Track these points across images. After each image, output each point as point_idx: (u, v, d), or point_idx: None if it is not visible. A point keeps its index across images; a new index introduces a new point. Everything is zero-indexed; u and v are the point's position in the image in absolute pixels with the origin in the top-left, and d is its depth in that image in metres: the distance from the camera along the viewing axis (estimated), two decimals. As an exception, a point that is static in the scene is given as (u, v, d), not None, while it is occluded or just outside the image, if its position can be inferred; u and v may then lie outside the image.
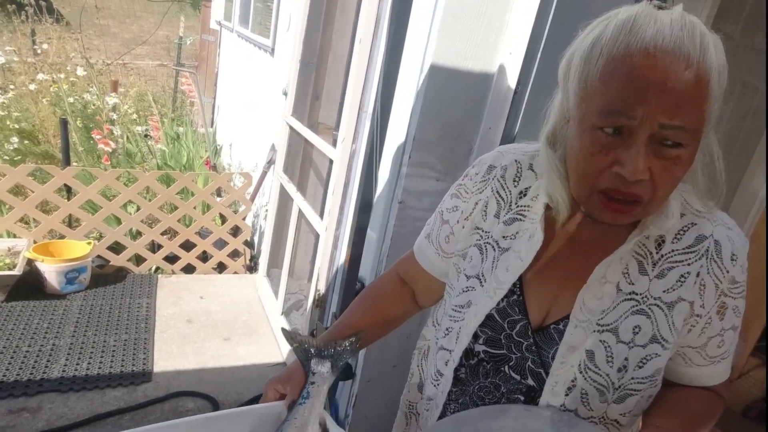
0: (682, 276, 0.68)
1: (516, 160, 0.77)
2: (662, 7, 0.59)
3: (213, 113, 5.53)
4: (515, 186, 0.76)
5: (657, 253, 0.69)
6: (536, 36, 1.31)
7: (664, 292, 0.68)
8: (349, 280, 1.47)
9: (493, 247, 0.76)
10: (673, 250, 0.69)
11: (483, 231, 0.78)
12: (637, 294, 0.68)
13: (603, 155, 0.59)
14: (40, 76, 3.79)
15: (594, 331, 0.69)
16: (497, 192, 0.77)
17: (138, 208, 2.93)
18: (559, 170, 0.68)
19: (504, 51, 1.38)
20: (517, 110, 1.40)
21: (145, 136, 4.39)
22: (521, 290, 0.74)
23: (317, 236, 2.20)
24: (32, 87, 3.66)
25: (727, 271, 0.68)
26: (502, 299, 0.74)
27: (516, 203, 0.76)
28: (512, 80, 1.37)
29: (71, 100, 3.66)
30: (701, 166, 0.66)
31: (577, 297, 0.69)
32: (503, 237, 0.76)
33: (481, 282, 0.76)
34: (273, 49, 3.25)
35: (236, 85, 4.69)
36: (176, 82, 6.04)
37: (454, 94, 1.40)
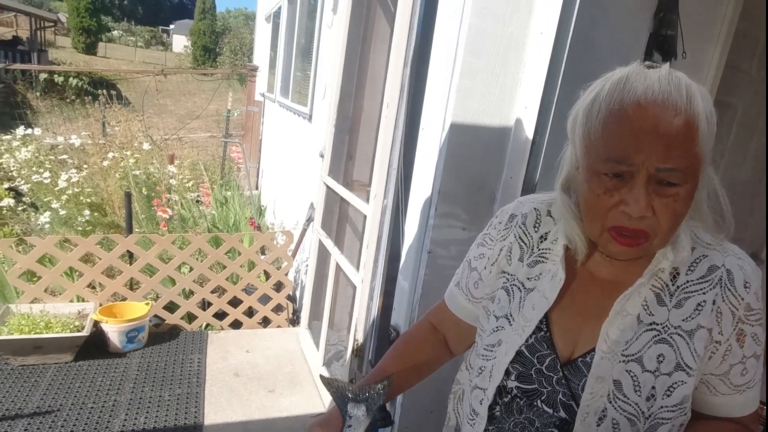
0: (699, 305, 0.72)
1: (535, 208, 0.86)
2: (652, 66, 0.68)
3: (258, 177, 5.88)
4: (536, 231, 0.84)
5: (673, 284, 0.74)
6: (549, 90, 1.41)
7: (683, 320, 0.72)
8: (382, 328, 1.54)
9: (519, 288, 0.83)
10: (687, 281, 0.73)
11: (509, 274, 0.85)
12: (657, 324, 0.73)
13: (609, 197, 0.67)
14: (110, 154, 4.25)
15: (620, 361, 0.73)
16: (520, 238, 0.85)
17: (190, 269, 3.14)
18: (575, 213, 0.76)
19: (520, 105, 1.49)
20: (536, 159, 1.48)
21: (197, 201, 4.72)
22: (548, 327, 0.80)
23: (354, 288, 2.30)
24: (105, 164, 4.10)
25: (742, 299, 0.72)
26: (531, 336, 0.80)
27: (537, 247, 0.83)
28: (529, 132, 1.47)
29: (137, 172, 4.06)
30: (706, 202, 0.72)
31: (601, 330, 0.74)
32: (528, 278, 0.83)
33: (509, 321, 0.83)
34: (310, 116, 3.51)
35: (278, 149, 5.00)
36: (224, 150, 6.51)
37: (474, 148, 1.50)
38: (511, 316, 0.83)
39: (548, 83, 1.41)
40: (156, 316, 3.12)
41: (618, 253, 0.71)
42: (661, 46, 1.57)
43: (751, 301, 0.72)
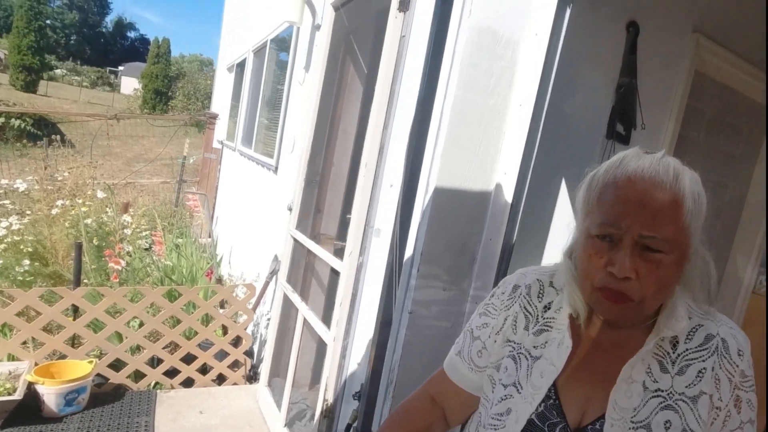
0: (699, 372, 0.76)
1: (538, 279, 0.89)
2: (648, 152, 0.76)
3: (212, 225, 5.71)
4: (539, 301, 0.87)
5: (674, 352, 0.78)
6: (527, 157, 1.50)
7: (686, 387, 0.76)
8: (371, 394, 1.49)
9: (525, 356, 0.85)
10: (687, 349, 0.78)
11: (515, 343, 0.87)
12: (662, 391, 0.76)
13: (598, 257, 0.73)
14: (59, 202, 4.01)
15: (629, 429, 0.75)
16: (525, 308, 0.88)
17: (141, 324, 2.95)
18: (576, 277, 0.81)
19: (500, 171, 1.56)
20: (513, 222, 1.55)
21: (146, 249, 4.51)
22: (556, 394, 0.81)
23: (322, 345, 2.23)
24: (54, 212, 3.85)
25: (737, 366, 0.77)
26: (540, 403, 0.81)
27: (542, 316, 0.86)
28: (508, 196, 1.53)
29: (88, 221, 3.83)
30: (699, 278, 0.78)
31: (610, 397, 0.77)
32: (534, 347, 0.85)
33: (518, 389, 0.83)
34: (276, 168, 3.50)
35: (237, 199, 4.91)
36: (178, 197, 6.31)
37: (457, 211, 1.55)
38: (519, 384, 0.84)
39: (526, 151, 1.50)
40: (99, 375, 2.87)
41: (604, 311, 0.76)
42: (623, 117, 1.72)
43: (745, 369, 0.77)
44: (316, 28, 2.96)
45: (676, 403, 0.75)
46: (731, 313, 2.69)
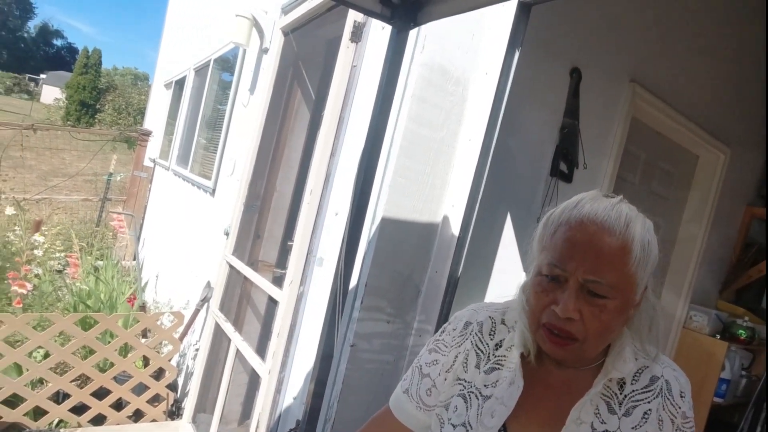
0: (645, 413, 0.78)
1: (490, 316, 0.88)
2: (608, 196, 0.78)
3: (138, 247, 5.35)
4: (491, 339, 0.86)
5: (621, 393, 0.79)
6: (475, 189, 1.51)
7: (632, 429, 0.77)
8: (307, 429, 1.41)
9: (476, 395, 0.83)
10: (633, 390, 0.79)
11: (465, 381, 0.84)
12: None
13: (545, 295, 0.74)
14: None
15: None
16: (476, 345, 0.86)
17: (47, 354, 2.64)
18: (526, 309, 0.80)
19: (447, 203, 1.58)
20: (460, 255, 1.55)
21: (59, 272, 4.11)
22: None
23: (255, 378, 2.10)
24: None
25: (679, 407, 0.79)
26: None
27: (494, 354, 0.85)
28: (455, 228, 1.55)
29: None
30: (647, 324, 0.80)
31: None
32: (485, 386, 0.83)
33: (467, 429, 0.81)
34: (214, 190, 3.36)
35: (168, 220, 4.65)
36: (100, 216, 5.87)
37: (403, 242, 1.54)
38: (469, 424, 0.81)
39: (474, 184, 1.52)
40: (-10, 413, 2.53)
41: (548, 350, 0.76)
42: (566, 156, 1.81)
43: (686, 410, 0.80)
44: (263, 51, 2.92)
45: None
46: (664, 347, 2.87)
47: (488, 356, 0.85)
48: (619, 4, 1.96)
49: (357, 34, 1.90)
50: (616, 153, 2.01)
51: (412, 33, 1.52)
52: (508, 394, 0.80)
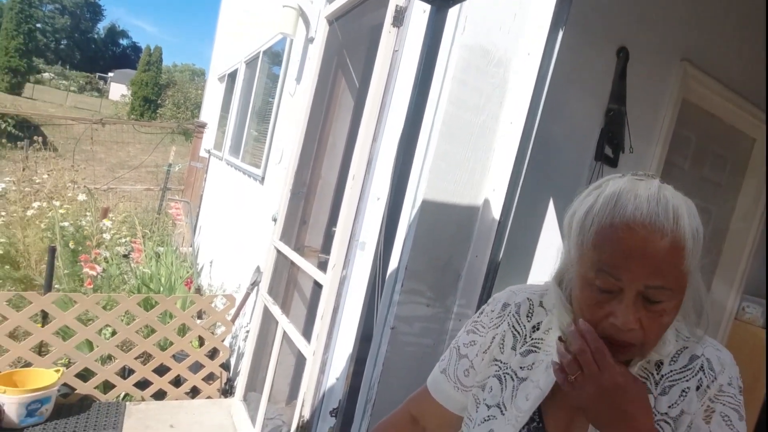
0: (683, 391, 0.75)
1: (528, 298, 0.87)
2: (640, 178, 0.72)
3: (195, 234, 5.62)
4: (528, 321, 0.85)
5: (657, 374, 0.76)
6: (516, 174, 1.48)
7: (668, 407, 0.74)
8: (349, 411, 1.45)
9: (511, 377, 0.82)
10: (671, 371, 0.76)
11: (501, 362, 0.84)
12: None
13: (599, 308, 0.70)
14: (35, 203, 3.89)
15: None
16: (513, 327, 0.85)
17: (114, 333, 2.85)
18: (567, 306, 0.78)
19: (488, 188, 1.55)
20: (500, 240, 1.53)
21: (125, 256, 4.39)
22: (540, 417, 0.79)
23: (301, 359, 2.17)
24: (29, 213, 3.74)
25: (715, 378, 0.74)
26: (524, 427, 0.78)
27: (530, 336, 0.84)
28: (496, 213, 1.52)
29: (65, 224, 3.73)
30: (692, 303, 0.76)
31: None
32: (520, 368, 0.82)
33: (501, 411, 0.81)
34: (263, 178, 3.47)
35: (222, 208, 4.85)
36: (161, 204, 6.21)
37: (443, 227, 1.53)
38: (503, 405, 0.81)
39: (515, 169, 1.49)
40: (66, 384, 2.76)
41: None
42: (611, 140, 1.73)
43: (723, 383, 0.74)
44: (309, 40, 2.97)
45: (658, 424, 0.73)
46: (714, 339, 2.71)
47: (525, 338, 0.84)
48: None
49: (399, 19, 1.89)
50: (665, 137, 1.90)
51: (453, 14, 1.50)
52: (544, 378, 0.79)
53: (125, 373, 2.95)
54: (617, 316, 0.68)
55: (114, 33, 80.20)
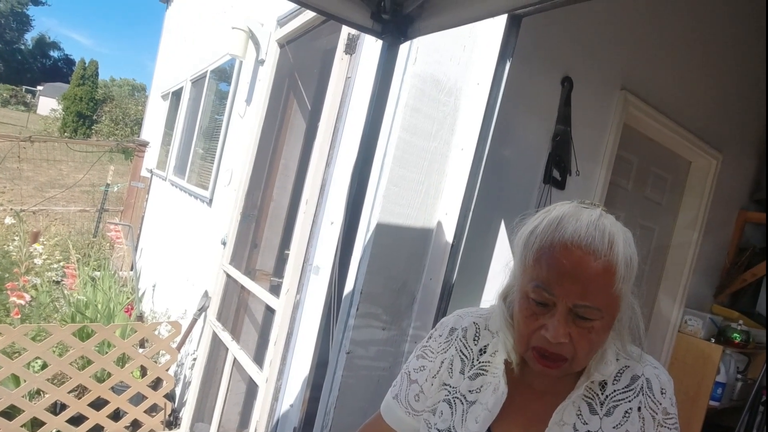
0: (626, 412, 0.80)
1: (474, 322, 0.90)
2: (586, 206, 0.77)
3: (135, 257, 5.35)
4: (475, 344, 0.88)
5: (602, 394, 0.81)
6: (468, 198, 1.53)
7: (614, 428, 0.79)
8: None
9: (461, 401, 0.85)
10: (614, 390, 0.81)
11: (450, 386, 0.87)
12: None
13: (534, 320, 0.75)
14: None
15: None
16: (461, 351, 0.88)
17: (44, 365, 2.65)
18: (509, 323, 0.82)
19: (441, 211, 1.60)
20: (454, 261, 1.57)
21: (57, 282, 4.11)
22: None
23: (253, 386, 2.12)
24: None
25: (660, 404, 0.81)
26: None
27: (478, 359, 0.87)
28: (449, 235, 1.57)
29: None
30: (627, 325, 0.81)
31: None
32: (469, 391, 0.85)
33: None
34: (211, 200, 3.38)
35: (165, 230, 4.66)
36: (97, 226, 5.87)
37: (398, 250, 1.56)
38: (454, 428, 0.83)
39: (467, 192, 1.54)
40: (-13, 426, 2.53)
41: (539, 372, 0.78)
42: (559, 164, 1.84)
43: (667, 406, 0.81)
44: (259, 62, 2.96)
45: None
46: (659, 351, 2.88)
47: (472, 362, 0.87)
48: (609, 13, 2.01)
49: (351, 46, 1.93)
50: (608, 159, 2.04)
51: (405, 45, 1.55)
52: (493, 400, 0.82)
53: (57, 408, 2.74)
54: (548, 329, 0.72)
55: (43, 44, 75.91)
